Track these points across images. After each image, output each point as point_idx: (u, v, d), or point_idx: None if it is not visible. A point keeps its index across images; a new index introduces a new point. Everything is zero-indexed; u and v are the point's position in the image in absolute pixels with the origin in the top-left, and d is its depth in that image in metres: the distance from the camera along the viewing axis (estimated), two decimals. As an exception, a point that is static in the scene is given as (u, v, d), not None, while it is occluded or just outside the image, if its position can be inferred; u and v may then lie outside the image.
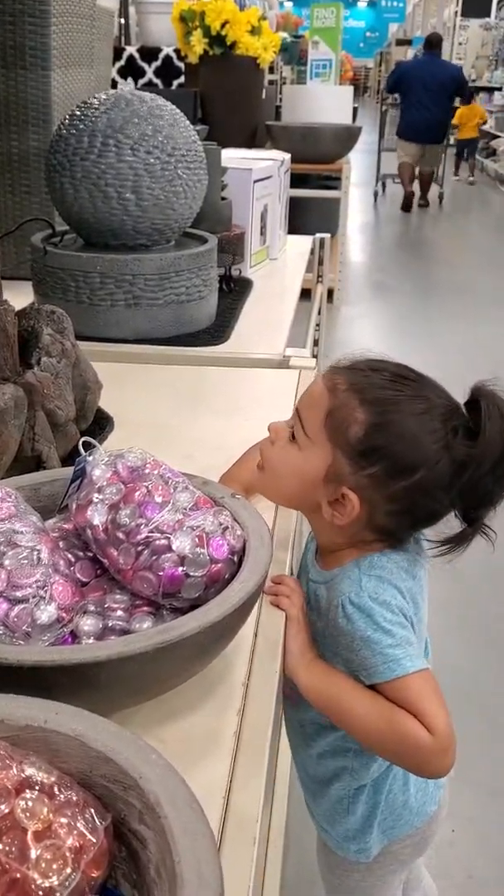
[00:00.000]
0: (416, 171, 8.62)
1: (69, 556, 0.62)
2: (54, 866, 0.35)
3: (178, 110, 1.33)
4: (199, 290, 1.32)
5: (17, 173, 1.56)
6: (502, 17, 13.55)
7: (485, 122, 11.12)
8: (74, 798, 0.38)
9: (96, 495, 0.61)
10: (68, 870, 0.35)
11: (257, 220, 1.79)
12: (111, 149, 1.23)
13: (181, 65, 3.36)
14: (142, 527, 0.58)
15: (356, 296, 5.31)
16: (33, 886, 0.34)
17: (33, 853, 0.35)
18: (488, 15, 14.35)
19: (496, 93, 12.29)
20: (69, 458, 0.85)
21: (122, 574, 0.59)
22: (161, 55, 3.39)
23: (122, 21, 3.86)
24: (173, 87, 3.39)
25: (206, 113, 3.16)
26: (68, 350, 0.87)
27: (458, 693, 1.84)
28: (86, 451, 0.65)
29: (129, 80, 3.36)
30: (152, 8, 3.57)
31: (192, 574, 0.57)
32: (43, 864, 0.35)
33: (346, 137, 4.50)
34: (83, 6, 1.62)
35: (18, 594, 0.53)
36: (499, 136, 11.65)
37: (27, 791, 0.37)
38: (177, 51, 3.32)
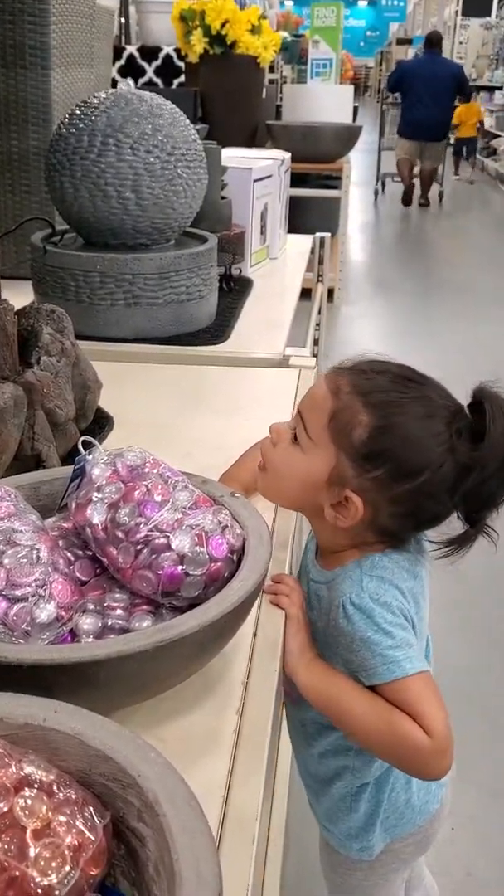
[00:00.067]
0: (417, 168, 8.64)
1: (68, 554, 0.62)
2: (53, 864, 0.35)
3: (177, 109, 1.33)
4: (199, 290, 1.32)
5: (16, 172, 1.56)
6: (503, 16, 13.54)
7: (481, 122, 11.11)
8: (73, 796, 0.38)
9: (96, 494, 0.61)
10: (67, 868, 0.35)
11: (257, 219, 1.79)
12: (111, 148, 1.23)
13: (181, 64, 3.36)
14: (141, 525, 0.58)
15: (356, 295, 5.31)
16: (32, 884, 0.34)
17: (32, 851, 0.35)
18: (489, 14, 14.34)
19: (496, 92, 12.28)
20: (69, 457, 0.85)
21: (122, 573, 0.59)
22: (161, 54, 3.39)
23: (123, 20, 3.86)
24: (173, 87, 3.39)
25: (207, 112, 3.16)
26: (68, 349, 0.87)
27: (460, 694, 1.84)
28: (85, 451, 0.65)
29: (130, 79, 3.35)
30: (152, 7, 3.57)
31: (191, 573, 0.57)
32: (42, 862, 0.35)
33: (347, 137, 4.50)
34: (83, 5, 1.62)
35: (18, 593, 0.53)
36: (499, 136, 11.64)
37: (26, 789, 0.37)
38: (177, 50, 3.32)
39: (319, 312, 2.27)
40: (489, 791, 1.64)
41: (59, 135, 1.28)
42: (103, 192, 1.24)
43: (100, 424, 0.95)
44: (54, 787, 0.38)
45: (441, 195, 9.08)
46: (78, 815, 0.37)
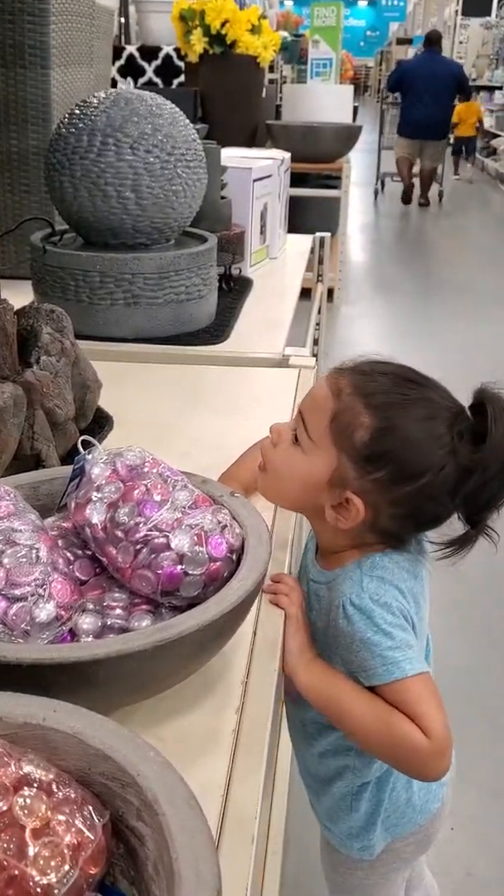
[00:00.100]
0: (416, 167, 8.64)
1: (68, 554, 0.62)
2: (52, 863, 0.35)
3: (177, 109, 1.33)
4: (199, 289, 1.32)
5: (16, 172, 1.56)
6: (503, 15, 13.54)
7: (481, 121, 11.10)
8: (72, 795, 0.38)
9: (95, 494, 0.61)
10: (66, 867, 0.35)
11: (257, 219, 1.79)
12: (110, 148, 1.23)
13: (181, 64, 3.36)
14: (140, 525, 0.58)
15: (356, 295, 5.31)
16: (31, 883, 0.34)
17: (31, 850, 0.35)
18: (489, 14, 14.33)
19: (496, 92, 12.28)
20: (68, 456, 0.85)
21: (121, 572, 0.59)
22: (161, 54, 3.39)
23: (122, 20, 3.86)
24: (173, 87, 3.39)
25: (206, 112, 3.16)
26: (67, 349, 0.87)
27: (460, 694, 1.84)
28: (85, 450, 0.65)
29: (129, 79, 3.36)
30: (152, 7, 3.57)
31: (190, 572, 0.57)
32: (41, 861, 0.35)
33: (347, 136, 4.50)
34: (83, 5, 1.62)
35: (17, 592, 0.53)
36: (499, 135, 11.64)
37: (25, 788, 0.37)
38: (177, 50, 3.32)
39: (319, 312, 2.27)
40: (489, 791, 1.64)
41: (59, 134, 1.28)
42: (103, 191, 1.24)
43: (99, 424, 0.95)
44: (53, 787, 0.38)
45: (441, 195, 9.09)
46: (77, 815, 0.37)
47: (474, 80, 12.53)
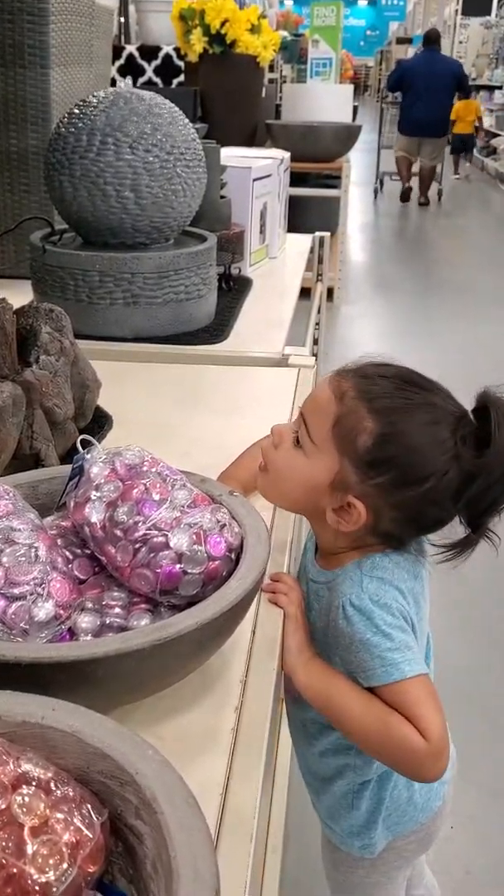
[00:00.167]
0: (415, 166, 8.65)
1: (67, 553, 0.62)
2: (51, 861, 0.35)
3: (176, 108, 1.33)
4: (199, 289, 1.32)
5: (15, 172, 1.56)
6: (503, 15, 13.54)
7: (480, 119, 11.08)
8: (71, 794, 0.38)
9: (94, 493, 0.61)
10: (65, 865, 0.35)
11: (257, 218, 1.80)
12: (110, 147, 1.23)
13: (181, 63, 3.36)
14: (139, 524, 0.58)
15: (356, 294, 5.31)
16: (30, 881, 0.34)
17: (30, 848, 0.35)
18: (489, 13, 14.34)
19: (496, 91, 12.28)
20: (68, 456, 0.85)
21: (120, 571, 0.59)
22: (161, 54, 3.39)
23: (122, 19, 3.86)
24: (173, 86, 3.39)
25: (206, 111, 3.16)
26: (67, 348, 0.87)
27: (460, 694, 1.84)
28: (84, 449, 0.65)
29: (129, 78, 3.35)
30: (152, 6, 3.57)
31: (189, 571, 0.57)
32: (39, 860, 0.35)
33: (346, 136, 4.50)
34: (82, 4, 1.62)
35: (16, 591, 0.53)
36: (499, 135, 11.64)
37: (24, 787, 0.37)
38: (176, 49, 3.32)
39: (319, 312, 2.27)
40: (489, 791, 1.64)
41: (58, 134, 1.28)
42: (102, 191, 1.24)
43: (99, 423, 0.95)
44: (52, 785, 0.38)
45: (440, 193, 9.09)
46: (76, 813, 0.37)
47: (474, 79, 12.53)
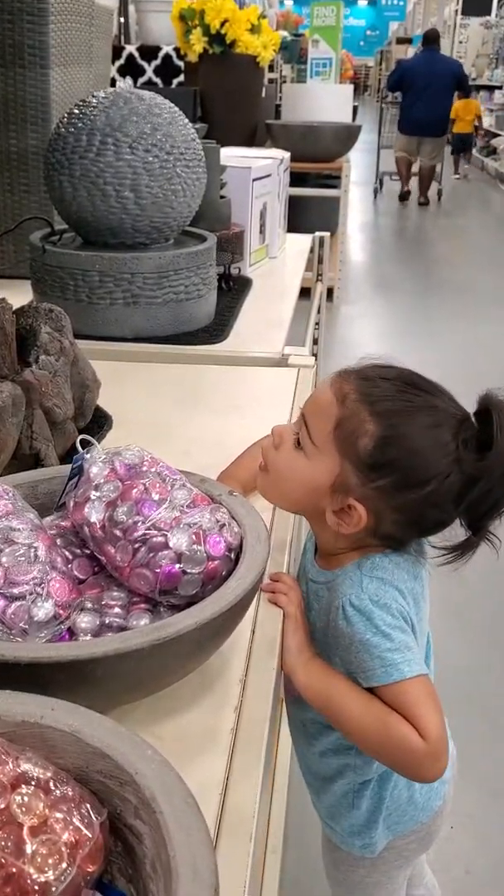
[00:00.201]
0: (415, 166, 8.65)
1: (66, 553, 0.62)
2: (50, 861, 0.35)
3: (176, 108, 1.33)
4: (198, 289, 1.32)
5: (15, 172, 1.56)
6: (503, 15, 13.54)
7: (479, 119, 11.07)
8: (70, 793, 0.38)
9: (93, 493, 0.61)
10: (64, 864, 0.35)
11: (256, 218, 1.80)
12: (110, 147, 1.23)
13: (181, 63, 3.36)
14: (139, 524, 0.58)
15: (356, 294, 5.31)
16: (29, 881, 0.34)
17: (29, 848, 0.35)
18: (489, 13, 14.34)
19: (496, 91, 12.28)
20: (67, 456, 0.85)
21: (120, 571, 0.59)
22: (161, 54, 3.39)
23: (122, 19, 3.86)
24: (173, 86, 3.39)
25: (206, 111, 3.16)
26: (67, 348, 0.87)
27: (460, 694, 1.84)
28: (83, 449, 0.65)
29: (129, 78, 3.36)
30: (152, 6, 3.57)
31: (188, 571, 0.57)
32: (39, 859, 0.35)
33: (346, 136, 4.50)
34: (82, 4, 1.62)
35: (15, 591, 0.53)
36: (499, 135, 11.64)
37: (23, 786, 0.37)
38: (176, 49, 3.32)
39: (319, 312, 2.27)
40: (489, 791, 1.64)
41: (58, 134, 1.28)
42: (102, 191, 1.24)
43: (98, 423, 0.95)
44: (51, 785, 0.38)
45: (440, 193, 9.09)
46: (75, 812, 0.37)
47: (474, 79, 12.53)
